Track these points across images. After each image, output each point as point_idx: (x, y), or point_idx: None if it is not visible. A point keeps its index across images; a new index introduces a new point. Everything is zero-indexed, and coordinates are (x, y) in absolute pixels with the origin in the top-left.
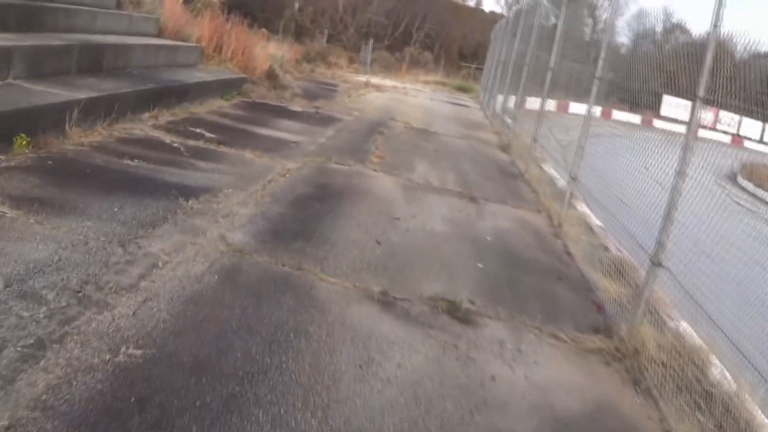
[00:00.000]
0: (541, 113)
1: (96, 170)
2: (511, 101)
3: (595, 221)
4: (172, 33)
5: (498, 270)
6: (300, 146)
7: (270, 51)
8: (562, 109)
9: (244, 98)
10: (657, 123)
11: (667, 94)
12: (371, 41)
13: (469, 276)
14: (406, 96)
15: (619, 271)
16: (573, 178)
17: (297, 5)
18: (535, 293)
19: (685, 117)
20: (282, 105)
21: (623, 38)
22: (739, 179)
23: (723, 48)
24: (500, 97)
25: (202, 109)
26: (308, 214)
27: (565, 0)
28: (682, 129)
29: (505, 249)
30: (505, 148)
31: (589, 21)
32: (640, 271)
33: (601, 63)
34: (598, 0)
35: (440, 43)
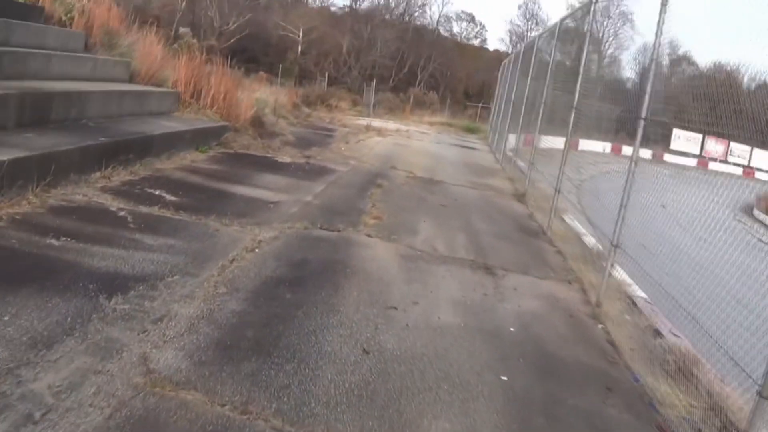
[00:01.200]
0: (564, 158)
1: (3, 255)
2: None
3: (639, 292)
4: (146, 78)
5: (528, 384)
6: (280, 207)
7: (260, 95)
8: (573, 147)
9: (224, 149)
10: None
11: None
12: (374, 83)
13: (490, 400)
14: (410, 140)
15: (680, 368)
16: (615, 246)
17: (300, 49)
18: (582, 421)
19: None
20: (267, 156)
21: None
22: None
23: None
24: (512, 138)
25: (169, 164)
26: (273, 312)
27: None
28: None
29: (535, 346)
30: (521, 197)
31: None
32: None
33: (647, 100)
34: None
35: (445, 83)
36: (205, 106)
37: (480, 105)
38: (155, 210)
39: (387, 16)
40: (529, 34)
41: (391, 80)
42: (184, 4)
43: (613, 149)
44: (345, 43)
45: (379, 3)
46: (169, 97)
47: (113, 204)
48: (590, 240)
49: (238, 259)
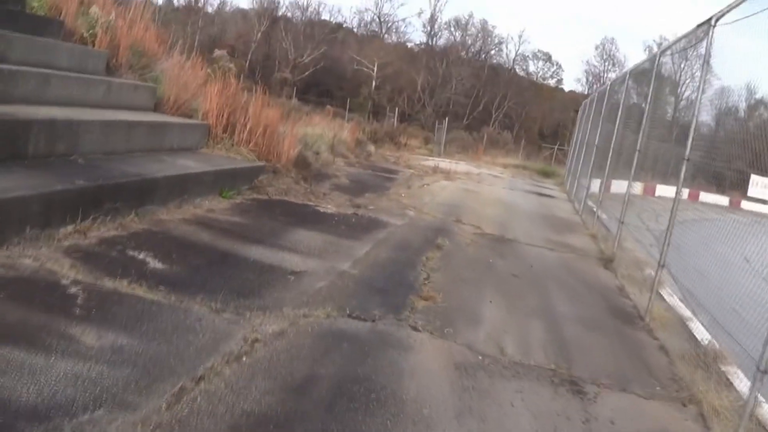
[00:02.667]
0: (670, 226)
1: None
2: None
3: None
4: (174, 107)
5: None
6: (303, 281)
7: (313, 130)
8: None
9: (256, 195)
10: None
11: None
12: (446, 121)
13: None
14: (481, 184)
15: None
16: (764, 372)
17: (374, 84)
18: None
19: None
20: (308, 204)
21: None
22: None
23: None
24: (593, 186)
25: (178, 214)
26: None
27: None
28: None
29: None
30: (607, 262)
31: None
32: None
33: None
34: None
35: (520, 123)
36: (239, 142)
37: (556, 147)
38: (124, 285)
39: (463, 54)
40: (605, 75)
41: (465, 118)
42: (259, 35)
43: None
44: (420, 79)
45: (455, 40)
46: (196, 130)
47: (69, 274)
48: (702, 331)
49: (208, 378)
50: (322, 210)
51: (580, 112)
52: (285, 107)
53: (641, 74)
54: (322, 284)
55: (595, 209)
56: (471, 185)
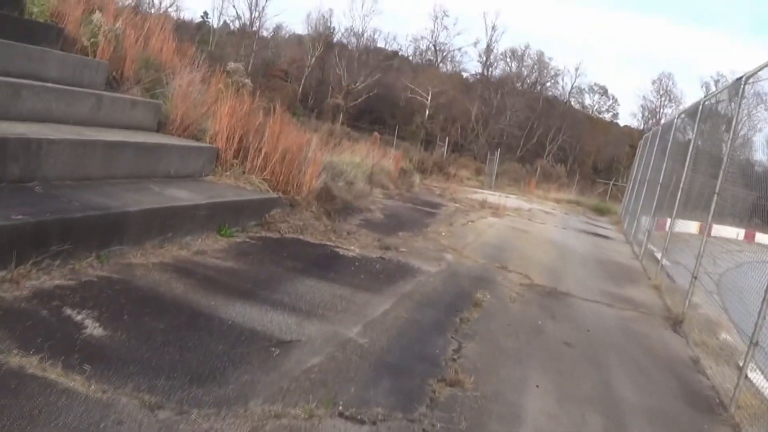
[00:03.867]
0: None
1: None
2: (681, 241)
3: None
4: (180, 126)
5: None
6: (291, 355)
7: (343, 157)
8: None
9: (265, 233)
10: None
11: None
12: (498, 152)
13: None
14: (531, 222)
15: None
16: None
17: (427, 113)
18: None
19: None
20: (326, 244)
21: None
22: None
23: None
24: (655, 228)
25: (154, 257)
26: None
27: None
28: None
29: None
30: (675, 323)
31: None
32: None
33: None
34: None
35: (574, 156)
36: (252, 170)
37: (611, 182)
38: (34, 362)
39: (518, 85)
40: (662, 110)
41: (519, 150)
42: (313, 60)
43: None
44: (473, 109)
45: (510, 71)
46: (201, 154)
47: None
48: None
49: None
50: (341, 252)
51: (640, 147)
52: (326, 132)
53: (717, 106)
54: (316, 361)
55: (657, 254)
56: (521, 223)
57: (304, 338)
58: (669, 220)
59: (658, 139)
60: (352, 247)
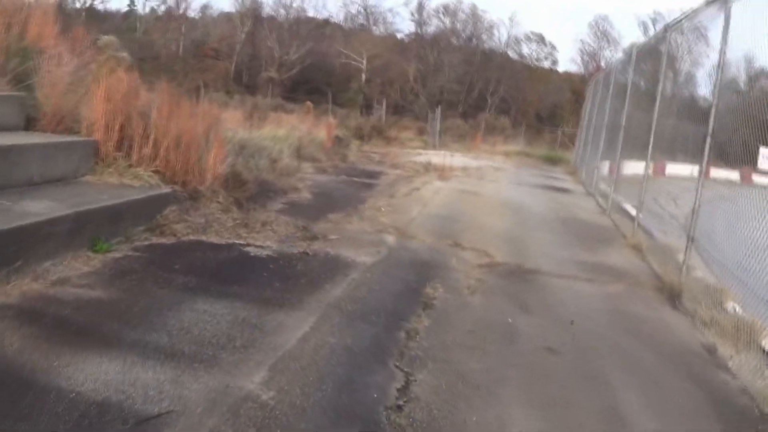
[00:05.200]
0: None
1: None
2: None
3: None
4: (53, 120)
5: None
6: None
7: (278, 132)
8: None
9: (157, 238)
10: None
11: None
12: (438, 109)
13: None
14: (482, 181)
15: None
16: None
17: (364, 77)
18: None
19: None
20: (235, 243)
21: None
22: None
23: None
24: (627, 168)
25: None
26: None
27: None
28: None
29: None
30: (672, 295)
31: None
32: None
33: None
34: None
35: (516, 107)
36: (141, 161)
37: (559, 129)
38: None
39: (454, 41)
40: (601, 53)
41: (460, 106)
42: (243, 35)
43: None
44: (411, 69)
45: (445, 27)
46: (73, 151)
47: None
48: None
49: None
50: (253, 252)
51: (592, 90)
52: (251, 106)
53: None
54: None
55: (626, 206)
56: (470, 184)
57: (179, 407)
58: (643, 166)
59: (612, 80)
60: (268, 243)
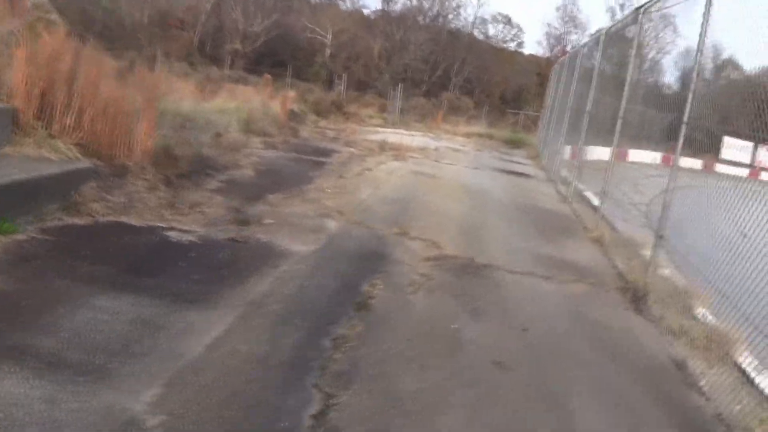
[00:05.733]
0: None
1: None
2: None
3: None
4: None
5: None
6: None
7: (226, 103)
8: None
9: (73, 218)
10: None
11: None
12: (399, 87)
13: None
14: (440, 163)
15: None
16: None
17: (329, 52)
18: None
19: None
20: (157, 227)
21: None
22: None
23: None
24: (591, 154)
25: None
26: None
27: None
28: None
29: None
30: (636, 297)
31: None
32: None
33: None
34: None
35: (481, 88)
36: (63, 131)
37: (523, 112)
38: None
39: (420, 19)
40: (567, 37)
41: (424, 85)
42: (209, 6)
43: None
44: (376, 46)
45: (412, 5)
46: None
47: None
48: None
49: None
50: (174, 237)
51: (557, 73)
52: (204, 77)
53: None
54: None
55: (588, 194)
56: (427, 166)
57: None
58: (607, 151)
59: (578, 63)
60: (194, 227)
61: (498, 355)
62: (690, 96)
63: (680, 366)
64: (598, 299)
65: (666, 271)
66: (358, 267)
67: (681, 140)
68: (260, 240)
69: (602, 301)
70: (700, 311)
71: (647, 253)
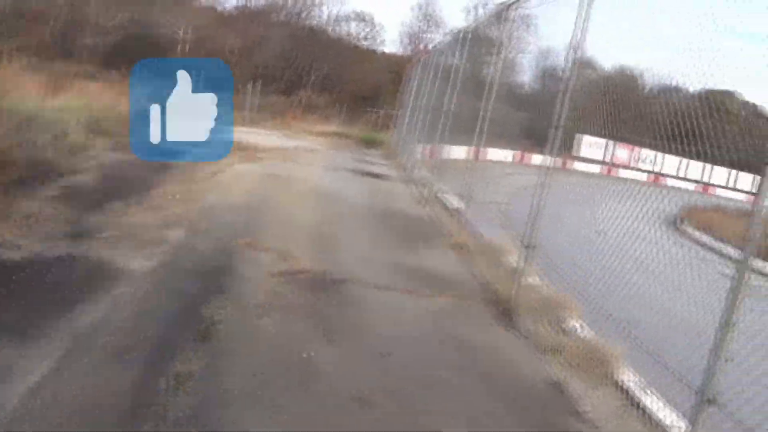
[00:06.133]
0: None
1: None
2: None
3: None
4: None
5: None
6: None
7: (69, 102)
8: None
9: None
10: None
11: None
12: (251, 85)
13: None
14: (294, 164)
15: None
16: None
17: (185, 48)
18: None
19: None
20: None
21: None
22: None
23: None
24: (451, 154)
25: None
26: None
27: None
28: None
29: None
30: (506, 311)
31: None
32: None
33: None
34: None
35: (339, 86)
36: None
37: (380, 111)
38: None
39: (278, 16)
40: (425, 36)
41: (281, 82)
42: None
43: None
44: (233, 43)
45: (271, 1)
46: None
47: None
48: None
49: None
50: None
51: (416, 71)
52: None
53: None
54: None
55: (454, 200)
56: (281, 167)
57: None
58: (467, 151)
59: (434, 62)
60: (22, 242)
61: (358, 389)
62: (561, 95)
63: (559, 389)
64: (465, 314)
65: (535, 279)
66: (203, 286)
67: (552, 139)
68: (96, 256)
69: (469, 316)
70: (574, 323)
71: (513, 259)
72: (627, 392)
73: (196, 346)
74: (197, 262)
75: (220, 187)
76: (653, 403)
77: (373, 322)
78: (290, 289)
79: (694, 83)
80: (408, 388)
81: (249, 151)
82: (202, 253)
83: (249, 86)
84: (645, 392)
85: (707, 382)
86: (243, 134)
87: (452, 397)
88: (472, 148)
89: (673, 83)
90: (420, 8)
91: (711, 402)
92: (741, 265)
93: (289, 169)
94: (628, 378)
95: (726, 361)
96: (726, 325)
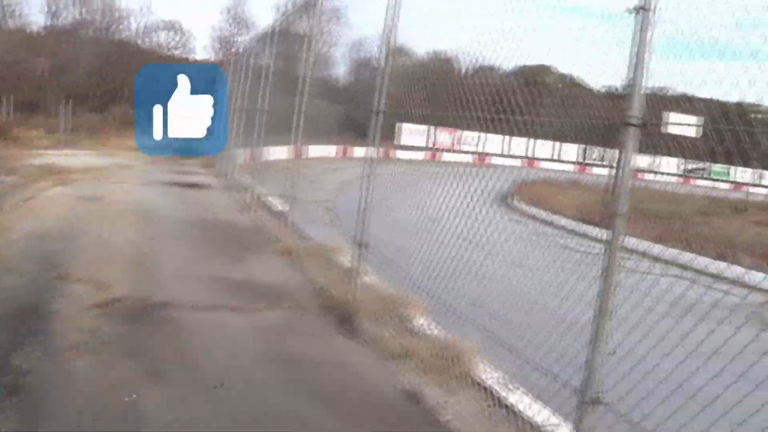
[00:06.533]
0: None
1: None
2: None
3: None
4: None
5: None
6: None
7: None
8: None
9: None
10: None
11: None
12: (62, 105)
13: None
14: (108, 183)
15: None
16: None
17: None
18: None
19: None
20: None
21: None
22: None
23: None
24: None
25: None
26: None
27: None
28: None
29: None
30: (344, 317)
31: None
32: None
33: None
34: None
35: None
36: None
37: None
38: None
39: (87, 33)
40: (237, 39)
41: (95, 100)
42: None
43: None
44: (43, 64)
45: (79, 18)
46: None
47: None
48: None
49: None
50: None
51: (227, 74)
52: None
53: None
54: None
55: (278, 203)
56: (97, 187)
57: None
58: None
59: (245, 62)
60: None
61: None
62: (378, 84)
63: (415, 399)
64: (301, 327)
65: (373, 278)
66: (9, 331)
67: (374, 126)
68: None
69: (306, 328)
70: (420, 321)
71: (347, 259)
72: (490, 392)
73: (3, 403)
74: (4, 305)
75: (32, 214)
76: (517, 398)
77: (201, 350)
78: (108, 323)
79: (507, 60)
80: (245, 423)
81: (62, 174)
82: (9, 292)
83: (61, 107)
84: (507, 388)
85: (588, 381)
86: (57, 157)
87: (296, 429)
88: (292, 147)
89: (487, 63)
90: (229, 11)
91: (595, 402)
92: (610, 246)
93: (106, 189)
94: (488, 375)
95: (609, 354)
96: (602, 314)
